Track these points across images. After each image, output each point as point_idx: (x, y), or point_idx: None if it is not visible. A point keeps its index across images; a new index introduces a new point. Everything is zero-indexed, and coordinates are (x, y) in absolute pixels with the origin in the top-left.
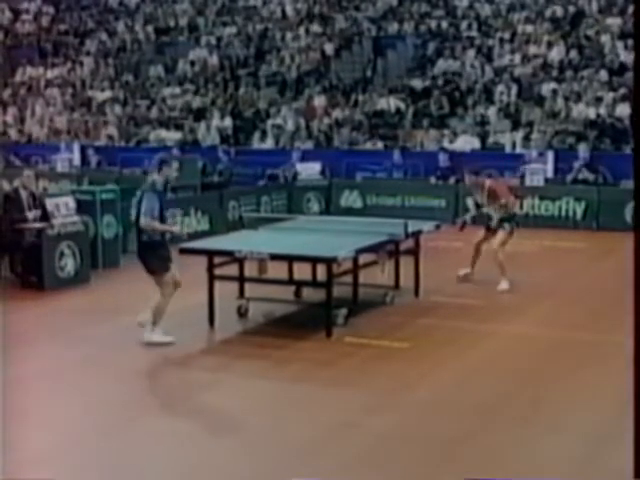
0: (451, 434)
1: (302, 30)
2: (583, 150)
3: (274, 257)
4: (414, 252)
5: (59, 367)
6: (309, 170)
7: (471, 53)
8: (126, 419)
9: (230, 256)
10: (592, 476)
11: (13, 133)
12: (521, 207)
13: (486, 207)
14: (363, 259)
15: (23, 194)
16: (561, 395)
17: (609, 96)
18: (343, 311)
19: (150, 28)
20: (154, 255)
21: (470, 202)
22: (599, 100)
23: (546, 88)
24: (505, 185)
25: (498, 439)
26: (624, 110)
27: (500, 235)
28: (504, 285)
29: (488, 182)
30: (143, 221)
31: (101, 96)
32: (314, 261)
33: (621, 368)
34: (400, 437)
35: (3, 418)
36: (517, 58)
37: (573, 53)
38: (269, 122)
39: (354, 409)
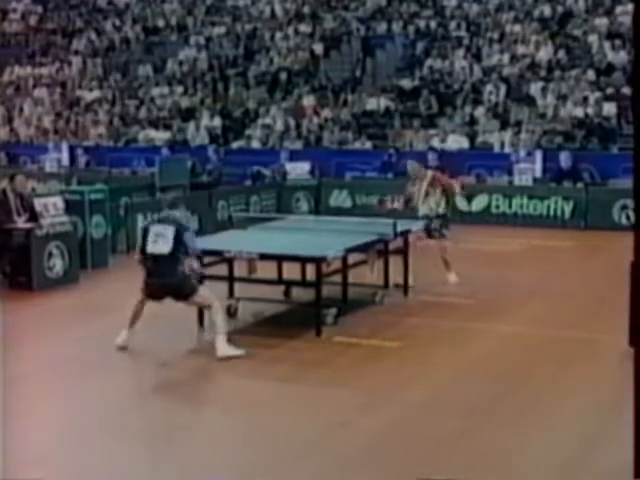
0: (442, 433)
1: (291, 30)
2: (565, 159)
3: (263, 257)
4: (403, 251)
5: (49, 367)
6: (298, 170)
7: (460, 53)
8: (117, 419)
9: (219, 256)
10: (583, 476)
11: (2, 133)
12: (510, 206)
13: (422, 200)
14: (352, 258)
15: (11, 196)
16: (552, 394)
17: (596, 96)
18: (333, 310)
19: (139, 28)
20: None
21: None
22: (586, 100)
23: (534, 88)
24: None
25: (489, 438)
26: (611, 110)
27: (444, 243)
28: (453, 277)
29: (431, 172)
30: (191, 263)
31: (89, 96)
32: (303, 261)
33: (611, 366)
34: (391, 437)
35: (3, 419)
36: (505, 58)
37: (561, 53)
38: (258, 122)
39: (344, 408)
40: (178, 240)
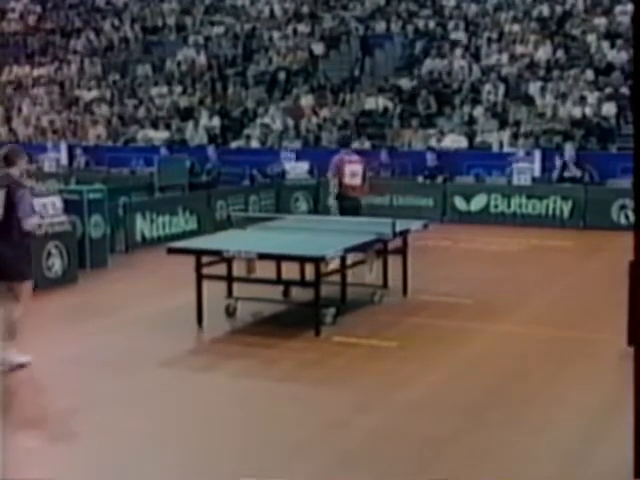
0: (440, 433)
1: (290, 29)
2: (569, 149)
3: (262, 256)
4: (402, 251)
5: (48, 366)
6: (297, 169)
7: (458, 52)
8: (114, 419)
9: (218, 256)
10: (583, 476)
11: (1, 132)
12: (509, 206)
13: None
14: (351, 258)
15: None
16: (551, 394)
17: (595, 95)
18: (332, 310)
19: (137, 27)
20: (28, 257)
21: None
22: (585, 99)
23: (533, 87)
24: (356, 168)
25: (489, 438)
26: (610, 109)
27: None
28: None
29: (337, 157)
30: (30, 222)
31: (88, 95)
32: (302, 260)
33: (609, 366)
34: (389, 436)
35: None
36: (504, 58)
37: (559, 53)
38: (257, 121)
39: (343, 408)
40: (10, 204)
